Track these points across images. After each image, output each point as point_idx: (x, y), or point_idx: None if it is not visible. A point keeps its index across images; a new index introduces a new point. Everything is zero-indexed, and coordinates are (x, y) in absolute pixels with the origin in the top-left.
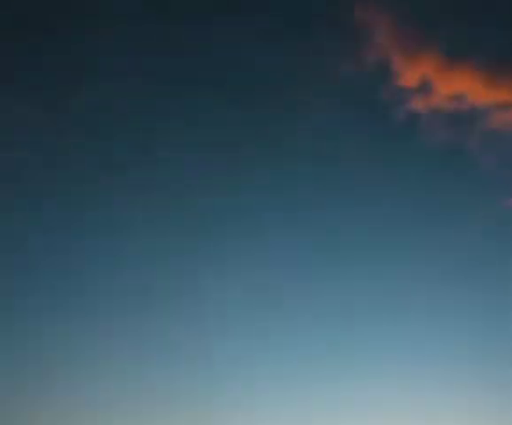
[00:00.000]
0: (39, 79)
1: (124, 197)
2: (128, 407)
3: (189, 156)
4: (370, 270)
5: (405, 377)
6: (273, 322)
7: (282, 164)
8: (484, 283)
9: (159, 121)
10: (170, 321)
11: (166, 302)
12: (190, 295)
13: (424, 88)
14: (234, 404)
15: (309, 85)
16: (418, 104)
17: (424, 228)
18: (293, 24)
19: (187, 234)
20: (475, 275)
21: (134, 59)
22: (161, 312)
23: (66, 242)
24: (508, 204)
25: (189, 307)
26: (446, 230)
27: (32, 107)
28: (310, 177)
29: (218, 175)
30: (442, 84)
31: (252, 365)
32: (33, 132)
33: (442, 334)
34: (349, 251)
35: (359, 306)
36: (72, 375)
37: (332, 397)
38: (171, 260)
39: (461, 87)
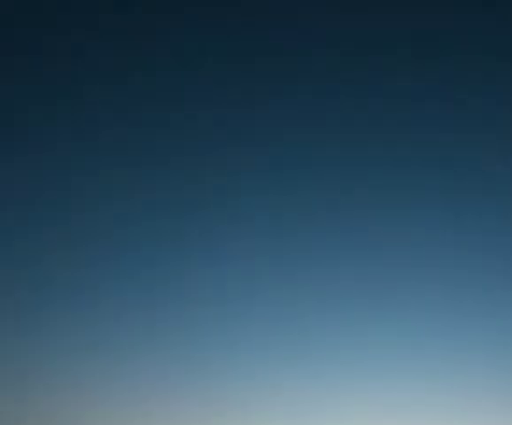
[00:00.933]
0: (39, 78)
1: (124, 196)
2: (127, 407)
3: (188, 155)
4: (371, 270)
5: (406, 377)
6: (272, 322)
7: (282, 163)
8: (488, 281)
9: (158, 119)
10: (170, 321)
11: (166, 301)
12: (190, 294)
13: None
14: (233, 402)
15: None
16: None
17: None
18: None
19: (187, 232)
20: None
21: (134, 58)
22: (161, 311)
23: (66, 240)
24: None
25: (188, 307)
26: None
27: (32, 106)
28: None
29: (218, 175)
30: None
31: (251, 365)
32: (32, 132)
33: (445, 334)
34: (350, 251)
35: (359, 306)
36: (71, 375)
37: (332, 396)
38: (171, 261)
39: None
